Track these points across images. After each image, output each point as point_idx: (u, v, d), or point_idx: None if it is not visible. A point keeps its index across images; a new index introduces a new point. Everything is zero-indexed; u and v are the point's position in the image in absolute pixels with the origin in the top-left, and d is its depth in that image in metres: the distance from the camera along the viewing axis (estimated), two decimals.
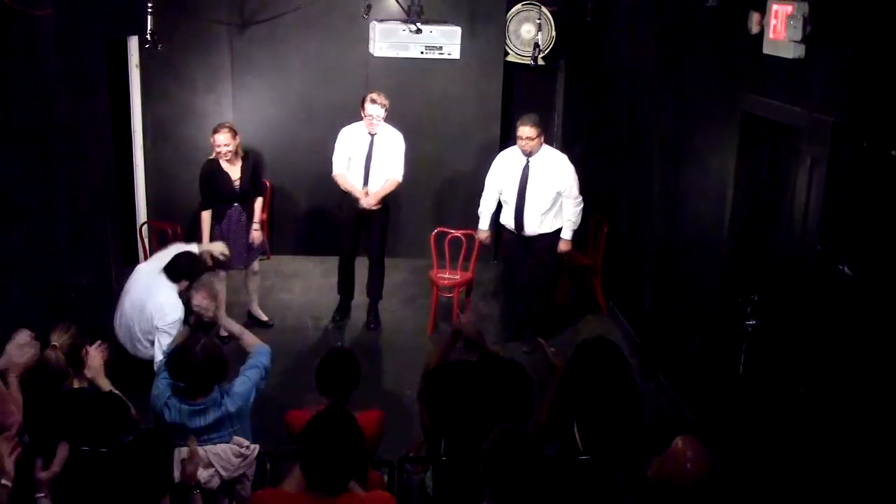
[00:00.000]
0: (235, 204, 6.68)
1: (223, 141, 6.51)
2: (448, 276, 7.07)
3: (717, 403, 5.26)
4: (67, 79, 5.86)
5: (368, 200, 6.80)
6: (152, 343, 5.13)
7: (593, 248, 7.65)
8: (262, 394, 4.15)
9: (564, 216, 6.58)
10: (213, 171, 6.60)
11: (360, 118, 6.83)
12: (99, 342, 4.11)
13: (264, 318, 7.13)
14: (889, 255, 3.52)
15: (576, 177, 6.54)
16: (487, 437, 3.03)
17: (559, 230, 6.63)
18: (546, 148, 6.57)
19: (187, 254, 5.41)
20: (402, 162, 6.91)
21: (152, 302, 5.13)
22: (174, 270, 5.22)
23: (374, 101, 6.68)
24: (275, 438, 4.20)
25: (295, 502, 2.98)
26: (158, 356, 4.86)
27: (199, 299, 4.57)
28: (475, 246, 7.01)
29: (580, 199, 6.58)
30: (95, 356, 4.02)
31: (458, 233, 7.12)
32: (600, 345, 3.89)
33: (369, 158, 6.83)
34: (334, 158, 6.90)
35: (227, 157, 6.55)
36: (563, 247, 6.68)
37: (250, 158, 6.77)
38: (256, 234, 6.82)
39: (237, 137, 6.60)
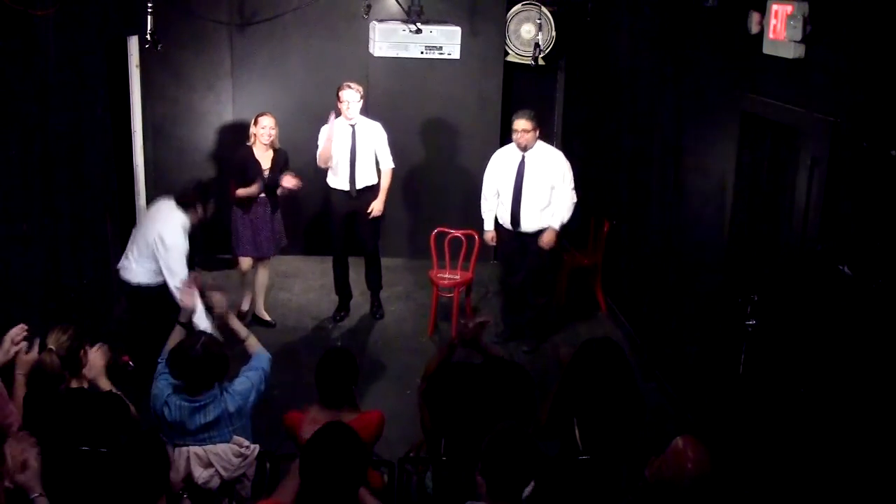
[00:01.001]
0: (262, 194, 6.78)
1: (270, 123, 6.69)
2: (448, 277, 7.07)
3: (717, 403, 5.26)
4: (67, 79, 5.87)
5: (376, 211, 6.96)
6: (137, 264, 5.61)
7: (593, 248, 7.65)
8: (262, 396, 4.13)
9: (554, 206, 6.47)
10: (246, 157, 6.73)
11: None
12: (99, 343, 4.10)
13: (267, 317, 7.16)
14: (889, 255, 3.52)
15: (571, 171, 6.54)
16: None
17: None
18: (542, 144, 6.57)
19: (197, 183, 5.94)
20: (388, 150, 7.00)
21: (155, 229, 5.51)
22: (184, 197, 5.65)
23: (349, 87, 6.74)
24: (275, 438, 4.20)
25: None
26: (172, 284, 5.36)
27: (216, 297, 4.57)
28: (475, 246, 7.01)
29: (573, 194, 6.55)
30: (97, 357, 4.01)
31: (458, 233, 7.12)
32: (603, 345, 3.89)
33: (354, 152, 6.87)
34: (319, 147, 6.91)
35: (268, 141, 6.70)
36: (547, 237, 6.49)
37: (283, 152, 6.91)
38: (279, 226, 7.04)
39: (277, 126, 6.76)
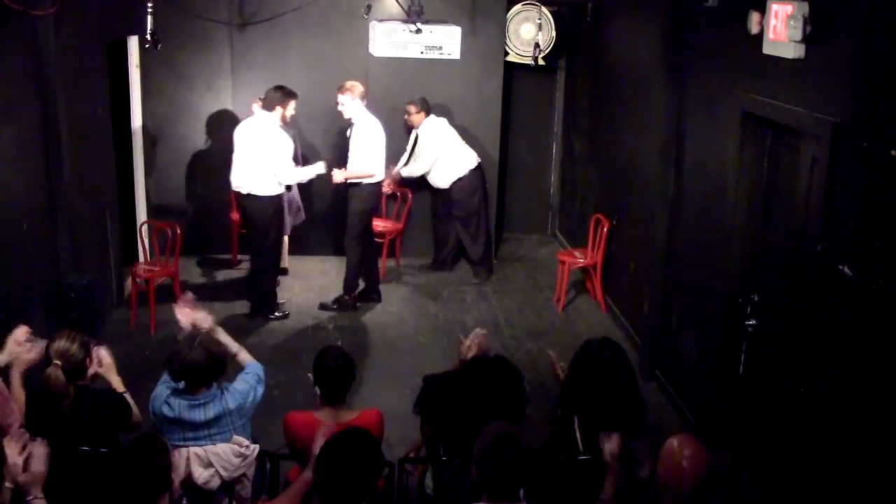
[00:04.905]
0: None
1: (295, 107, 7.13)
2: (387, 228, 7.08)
3: (717, 403, 5.26)
4: (67, 79, 5.87)
5: (337, 178, 7.14)
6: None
7: (593, 248, 7.65)
8: (258, 402, 4.11)
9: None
10: None
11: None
12: (103, 346, 4.09)
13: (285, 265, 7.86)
14: (889, 255, 3.52)
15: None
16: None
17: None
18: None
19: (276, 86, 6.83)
20: (360, 154, 7.04)
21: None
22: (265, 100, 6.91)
23: (338, 88, 7.06)
24: (275, 439, 4.20)
25: None
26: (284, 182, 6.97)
27: (201, 315, 4.38)
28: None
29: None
30: (105, 355, 4.00)
31: None
32: (603, 345, 3.89)
33: (346, 145, 7.22)
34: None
35: (288, 122, 7.16)
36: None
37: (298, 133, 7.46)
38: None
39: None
